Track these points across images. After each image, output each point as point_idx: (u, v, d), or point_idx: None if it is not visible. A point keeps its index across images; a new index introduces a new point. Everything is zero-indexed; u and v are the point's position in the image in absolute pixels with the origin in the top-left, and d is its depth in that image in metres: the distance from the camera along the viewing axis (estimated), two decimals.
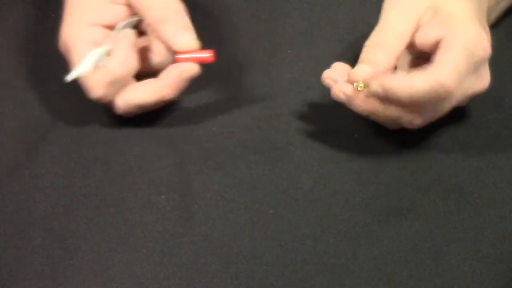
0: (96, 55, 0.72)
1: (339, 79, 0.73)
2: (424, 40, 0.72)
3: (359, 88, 0.71)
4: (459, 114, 0.77)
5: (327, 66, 0.78)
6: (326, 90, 0.79)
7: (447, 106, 0.72)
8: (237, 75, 0.80)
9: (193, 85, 0.80)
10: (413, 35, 0.72)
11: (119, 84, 0.73)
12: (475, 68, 0.71)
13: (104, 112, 0.76)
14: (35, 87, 0.79)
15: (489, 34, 0.72)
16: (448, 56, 0.70)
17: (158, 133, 0.77)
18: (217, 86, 0.80)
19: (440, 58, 0.70)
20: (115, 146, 0.76)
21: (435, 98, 0.69)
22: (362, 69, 0.71)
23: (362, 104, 0.71)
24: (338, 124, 0.77)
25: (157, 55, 0.75)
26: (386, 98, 0.70)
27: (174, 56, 0.74)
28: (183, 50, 0.73)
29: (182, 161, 0.75)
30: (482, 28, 0.71)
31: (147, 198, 0.73)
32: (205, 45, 0.82)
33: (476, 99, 0.76)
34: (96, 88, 0.73)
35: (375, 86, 0.70)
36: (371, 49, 0.72)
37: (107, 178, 0.74)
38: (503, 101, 0.78)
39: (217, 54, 0.82)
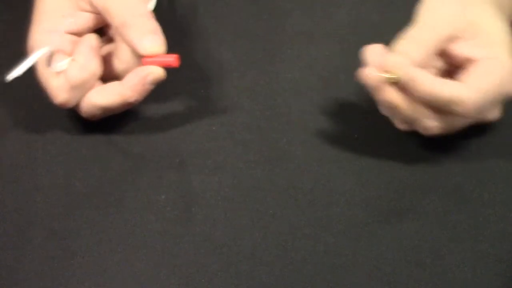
0: (37, 56, 0.72)
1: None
2: (460, 53, 0.72)
3: (388, 77, 0.70)
4: None
5: (327, 66, 0.78)
6: (326, 90, 0.79)
7: (460, 124, 0.72)
8: (237, 75, 0.80)
9: (193, 85, 0.80)
10: (447, 43, 0.72)
11: (82, 89, 0.73)
12: (498, 101, 0.72)
13: None
14: (35, 86, 0.79)
15: None
16: (482, 81, 0.70)
17: (158, 133, 0.77)
18: (217, 86, 0.80)
19: (474, 79, 0.70)
20: (115, 146, 0.76)
21: (448, 110, 0.70)
22: (398, 59, 0.70)
23: (388, 94, 0.70)
24: (338, 124, 0.77)
25: (123, 62, 0.75)
26: (405, 87, 0.69)
27: (140, 60, 0.73)
28: (148, 53, 0.72)
29: (182, 161, 0.75)
30: None
31: (147, 198, 0.73)
32: (204, 46, 0.83)
33: None
34: (59, 94, 0.73)
35: (401, 72, 0.69)
36: (406, 42, 0.71)
37: (107, 178, 0.74)
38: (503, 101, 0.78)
39: (218, 54, 0.82)
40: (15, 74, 0.71)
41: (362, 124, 0.76)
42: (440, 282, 0.68)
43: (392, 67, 0.69)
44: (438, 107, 0.70)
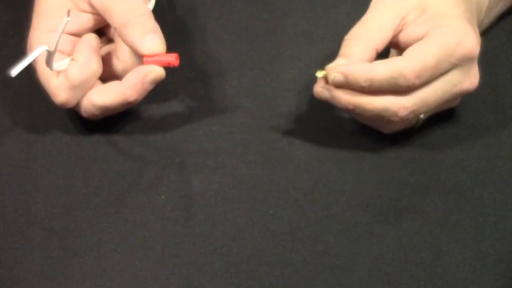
0: (35, 55, 0.72)
1: None
2: (408, 37, 0.71)
3: (317, 74, 0.70)
4: (459, 114, 0.77)
5: None
6: None
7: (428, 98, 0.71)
8: (237, 75, 0.80)
9: (193, 85, 0.80)
10: (396, 32, 0.71)
11: (82, 88, 0.73)
12: (452, 66, 0.70)
13: None
14: (35, 86, 0.79)
15: (478, 34, 0.71)
16: (418, 48, 0.69)
17: (158, 133, 0.77)
18: (217, 86, 0.80)
19: (409, 49, 0.69)
20: (115, 146, 0.76)
21: (396, 87, 0.69)
22: (337, 63, 0.70)
23: (346, 96, 0.70)
24: (338, 124, 0.77)
25: (122, 62, 0.75)
26: (348, 86, 0.69)
27: (139, 60, 0.73)
28: (149, 53, 0.72)
29: (182, 161, 0.75)
30: (470, 26, 0.70)
31: (147, 198, 0.73)
32: (204, 46, 0.82)
33: (476, 99, 0.76)
34: (59, 93, 0.73)
35: (334, 73, 0.69)
36: (348, 42, 0.71)
37: (107, 178, 0.74)
38: (503, 101, 0.78)
39: (218, 54, 0.82)
40: (14, 73, 0.71)
41: (362, 124, 0.76)
42: (440, 282, 0.68)
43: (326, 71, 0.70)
44: (389, 88, 0.69)
